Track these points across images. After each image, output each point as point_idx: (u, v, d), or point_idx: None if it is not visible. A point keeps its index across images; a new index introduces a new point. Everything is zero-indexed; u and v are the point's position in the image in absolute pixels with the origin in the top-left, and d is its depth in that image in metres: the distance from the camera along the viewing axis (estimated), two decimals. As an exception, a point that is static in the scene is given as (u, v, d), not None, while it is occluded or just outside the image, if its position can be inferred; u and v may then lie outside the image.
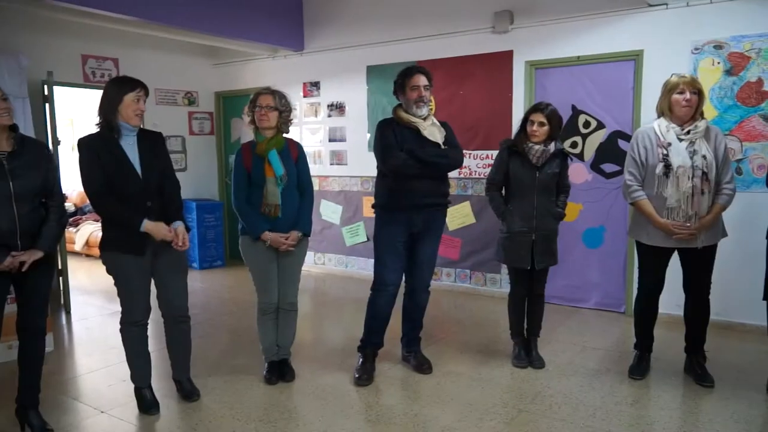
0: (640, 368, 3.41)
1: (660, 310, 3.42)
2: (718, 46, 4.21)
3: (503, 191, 3.57)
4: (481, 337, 4.20)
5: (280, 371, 3.36)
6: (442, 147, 3.30)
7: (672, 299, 3.48)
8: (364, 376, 3.34)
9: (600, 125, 4.76)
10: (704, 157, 3.12)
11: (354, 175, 6.16)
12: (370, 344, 3.46)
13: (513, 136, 3.56)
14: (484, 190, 3.65)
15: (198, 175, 7.08)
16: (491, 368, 3.56)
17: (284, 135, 3.26)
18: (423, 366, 3.50)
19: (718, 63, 4.21)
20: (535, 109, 3.45)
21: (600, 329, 4.37)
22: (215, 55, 7.02)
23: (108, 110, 2.74)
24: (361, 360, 3.44)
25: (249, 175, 3.15)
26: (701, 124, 3.18)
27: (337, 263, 6.41)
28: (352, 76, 6.09)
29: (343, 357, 3.71)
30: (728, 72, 4.18)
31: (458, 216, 5.43)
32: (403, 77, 3.33)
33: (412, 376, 3.46)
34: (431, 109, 3.45)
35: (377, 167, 3.41)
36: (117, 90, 2.75)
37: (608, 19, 4.63)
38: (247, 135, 5.76)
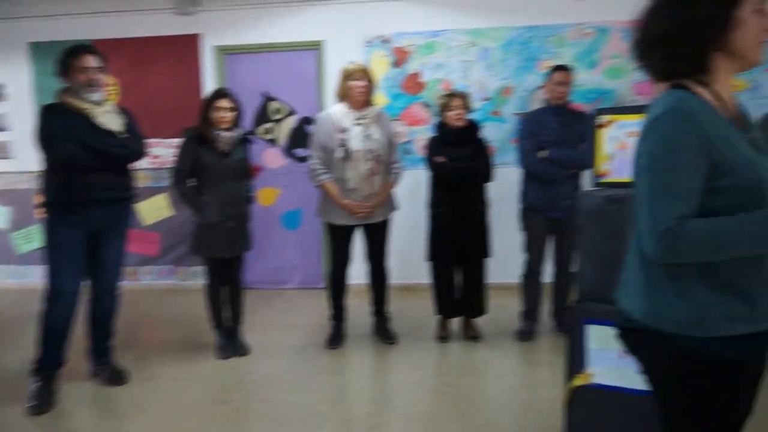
0: (336, 338, 3.68)
1: (351, 281, 3.75)
2: (385, 41, 4.73)
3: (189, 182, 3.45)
4: (186, 333, 4.02)
5: None
6: (122, 135, 3.03)
7: (360, 270, 3.83)
8: (43, 403, 2.89)
9: (290, 112, 4.95)
10: (377, 140, 3.48)
11: (23, 170, 5.26)
12: (48, 364, 3.00)
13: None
14: (171, 183, 3.47)
15: None
16: (195, 364, 3.44)
17: None
18: (116, 377, 3.19)
19: (386, 56, 4.73)
20: (221, 95, 3.41)
21: (302, 307, 4.58)
22: None
23: None
24: (37, 384, 2.97)
25: None
26: (373, 110, 3.55)
27: (8, 275, 5.42)
28: (10, 53, 5.15)
29: (17, 385, 3.15)
30: (394, 64, 4.74)
31: (153, 209, 5.09)
32: (68, 58, 2.97)
33: (104, 390, 3.12)
34: (109, 94, 3.13)
35: (44, 160, 2.99)
36: None
37: (292, 9, 4.81)
38: None
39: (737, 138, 1.22)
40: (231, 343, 3.57)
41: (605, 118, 2.18)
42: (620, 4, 4.00)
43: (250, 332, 3.81)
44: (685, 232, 1.16)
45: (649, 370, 1.34)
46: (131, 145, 3.07)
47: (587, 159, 2.64)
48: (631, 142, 2.14)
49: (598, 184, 2.21)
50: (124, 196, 3.15)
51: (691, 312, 1.22)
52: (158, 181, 5.08)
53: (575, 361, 2.17)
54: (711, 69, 1.25)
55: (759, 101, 4.20)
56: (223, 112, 3.35)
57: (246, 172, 3.51)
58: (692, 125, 1.18)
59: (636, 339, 1.34)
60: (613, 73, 4.52)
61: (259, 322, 4.14)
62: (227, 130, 3.37)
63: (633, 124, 2.14)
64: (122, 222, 3.18)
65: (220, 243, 3.41)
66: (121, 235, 3.19)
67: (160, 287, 5.18)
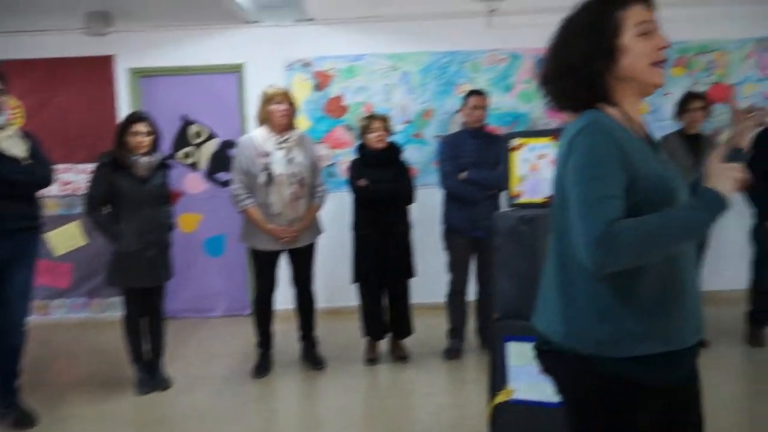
0: (263, 366, 3.60)
1: (277, 307, 3.69)
2: (306, 64, 4.75)
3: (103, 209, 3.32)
4: (102, 369, 3.81)
5: None
6: (26, 161, 2.88)
7: (286, 295, 3.78)
8: (-63, 454, 2.67)
9: (211, 135, 4.86)
10: (300, 164, 3.48)
11: None
12: (-54, 410, 2.77)
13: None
14: (84, 210, 3.32)
15: None
16: (112, 402, 3.26)
17: None
18: (24, 419, 2.97)
19: (307, 79, 4.75)
20: (138, 119, 3.32)
21: (228, 335, 4.46)
22: None
23: None
24: (-68, 434, 2.73)
25: None
26: (295, 134, 3.55)
27: None
28: None
29: None
30: (316, 87, 4.76)
31: (65, 238, 4.82)
32: None
33: (9, 436, 2.91)
34: (13, 118, 2.98)
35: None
36: None
37: (211, 32, 4.74)
38: None
39: (649, 155, 1.26)
40: (151, 377, 3.41)
41: (516, 141, 2.29)
42: (531, 32, 4.25)
43: (173, 364, 3.66)
44: (618, 233, 1.15)
45: (567, 391, 1.34)
46: (36, 172, 2.93)
47: (504, 180, 2.74)
48: (542, 164, 2.26)
49: (513, 205, 2.31)
50: (30, 225, 3.00)
51: (608, 333, 1.23)
52: (70, 208, 4.82)
53: (497, 377, 2.24)
54: (612, 96, 1.30)
55: (658, 123, 4.52)
56: (140, 137, 3.26)
57: (165, 197, 3.41)
58: (611, 137, 1.21)
59: (553, 360, 1.35)
60: (526, 97, 4.74)
61: (182, 353, 3.99)
62: (145, 154, 3.28)
63: (543, 146, 2.26)
64: (29, 253, 3.01)
65: (140, 272, 3.28)
66: (28, 267, 3.02)
67: (72, 321, 4.88)
